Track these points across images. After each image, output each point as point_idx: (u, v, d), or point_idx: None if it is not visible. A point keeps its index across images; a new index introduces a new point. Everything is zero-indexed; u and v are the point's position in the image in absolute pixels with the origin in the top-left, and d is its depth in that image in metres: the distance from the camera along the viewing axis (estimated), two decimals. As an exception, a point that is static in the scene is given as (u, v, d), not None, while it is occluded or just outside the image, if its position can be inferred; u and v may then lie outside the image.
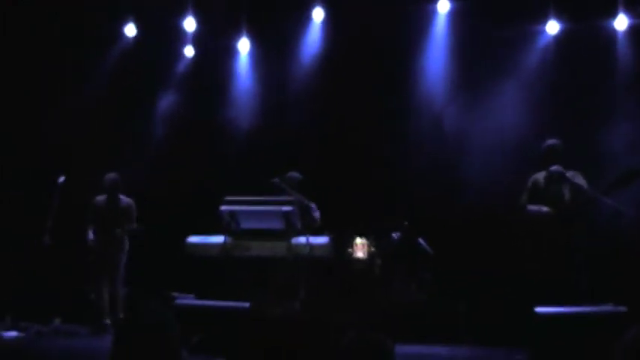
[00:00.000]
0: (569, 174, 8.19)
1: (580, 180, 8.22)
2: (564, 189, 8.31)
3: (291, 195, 8.98)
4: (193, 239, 8.71)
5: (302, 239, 8.27)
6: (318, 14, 11.22)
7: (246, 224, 8.48)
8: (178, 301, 8.48)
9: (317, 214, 9.30)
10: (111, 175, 9.94)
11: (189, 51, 11.84)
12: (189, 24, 11.59)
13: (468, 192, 10.16)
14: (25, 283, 9.78)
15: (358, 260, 10.00)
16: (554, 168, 8.16)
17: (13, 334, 8.78)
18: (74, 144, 10.90)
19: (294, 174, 9.34)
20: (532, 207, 8.44)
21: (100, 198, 10.07)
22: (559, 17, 10.49)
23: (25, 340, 8.66)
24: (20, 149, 10.94)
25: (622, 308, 7.16)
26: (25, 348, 8.26)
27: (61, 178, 9.64)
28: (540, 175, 8.56)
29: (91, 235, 9.86)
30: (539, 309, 7.38)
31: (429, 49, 11.09)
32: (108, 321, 9.58)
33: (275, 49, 11.55)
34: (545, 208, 8.31)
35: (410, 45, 11.09)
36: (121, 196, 10.07)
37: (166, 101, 11.87)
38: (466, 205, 10.20)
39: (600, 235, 8.48)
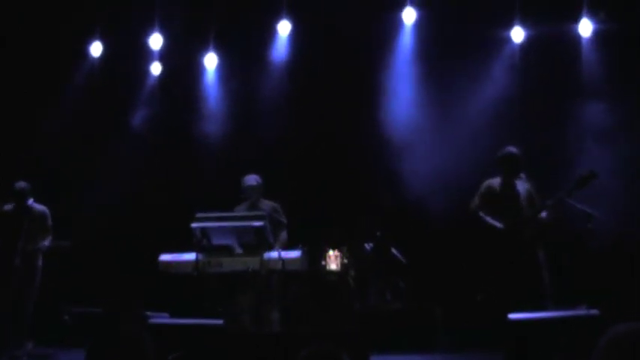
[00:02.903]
0: (522, 182, 8.32)
1: (527, 186, 8.35)
2: (521, 200, 8.36)
3: (260, 208, 9.00)
4: (166, 257, 8.66)
5: (274, 254, 8.26)
6: (284, 27, 11.24)
7: (217, 240, 8.46)
8: (152, 320, 8.44)
9: (283, 219, 9.29)
10: (20, 183, 9.38)
11: (156, 68, 11.82)
12: (156, 41, 11.57)
13: (438, 200, 10.20)
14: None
15: (332, 272, 10.02)
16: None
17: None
18: (44, 163, 10.82)
19: (250, 180, 9.26)
20: (488, 219, 8.47)
21: (8, 207, 9.53)
22: (524, 23, 10.59)
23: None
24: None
25: (595, 311, 7.22)
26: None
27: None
28: (495, 182, 8.59)
29: None
30: (512, 315, 7.43)
31: (395, 57, 11.14)
32: (17, 351, 8.94)
33: (242, 63, 11.56)
34: (499, 225, 8.35)
35: (377, 54, 11.14)
36: (33, 204, 9.50)
37: (136, 118, 11.82)
38: (437, 213, 10.25)
39: (569, 238, 8.55)
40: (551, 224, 8.25)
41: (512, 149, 8.47)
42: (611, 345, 2.53)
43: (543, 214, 8.20)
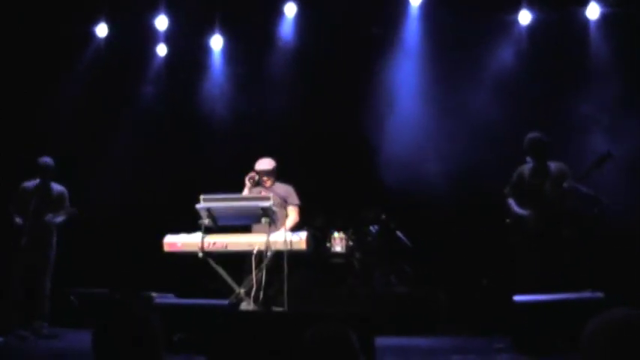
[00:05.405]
0: (554, 166, 8.19)
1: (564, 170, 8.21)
2: (546, 184, 8.23)
3: (273, 190, 8.95)
4: (171, 238, 8.66)
5: (280, 234, 8.25)
6: (290, 9, 11.22)
7: (223, 221, 8.46)
8: (158, 301, 8.46)
9: (295, 201, 9.17)
10: (45, 159, 9.13)
11: (161, 49, 11.81)
12: (161, 22, 11.55)
13: (444, 183, 10.19)
14: (4, 285, 9.61)
15: (337, 254, 10.04)
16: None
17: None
18: (49, 145, 10.80)
19: (264, 164, 9.14)
20: (517, 209, 8.34)
21: (30, 184, 9.27)
22: (531, 6, 10.56)
23: (8, 345, 8.56)
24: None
25: (599, 294, 7.22)
26: (9, 352, 8.19)
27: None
28: (526, 168, 8.42)
29: (19, 220, 8.97)
30: (517, 297, 7.44)
31: (401, 40, 11.11)
32: (23, 332, 8.85)
33: (248, 44, 11.54)
34: (524, 212, 8.24)
35: (383, 36, 11.12)
36: (53, 184, 9.31)
37: (142, 99, 11.82)
38: (442, 197, 10.23)
39: (576, 222, 8.52)
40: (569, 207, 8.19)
41: (537, 134, 8.29)
42: (602, 329, 2.50)
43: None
